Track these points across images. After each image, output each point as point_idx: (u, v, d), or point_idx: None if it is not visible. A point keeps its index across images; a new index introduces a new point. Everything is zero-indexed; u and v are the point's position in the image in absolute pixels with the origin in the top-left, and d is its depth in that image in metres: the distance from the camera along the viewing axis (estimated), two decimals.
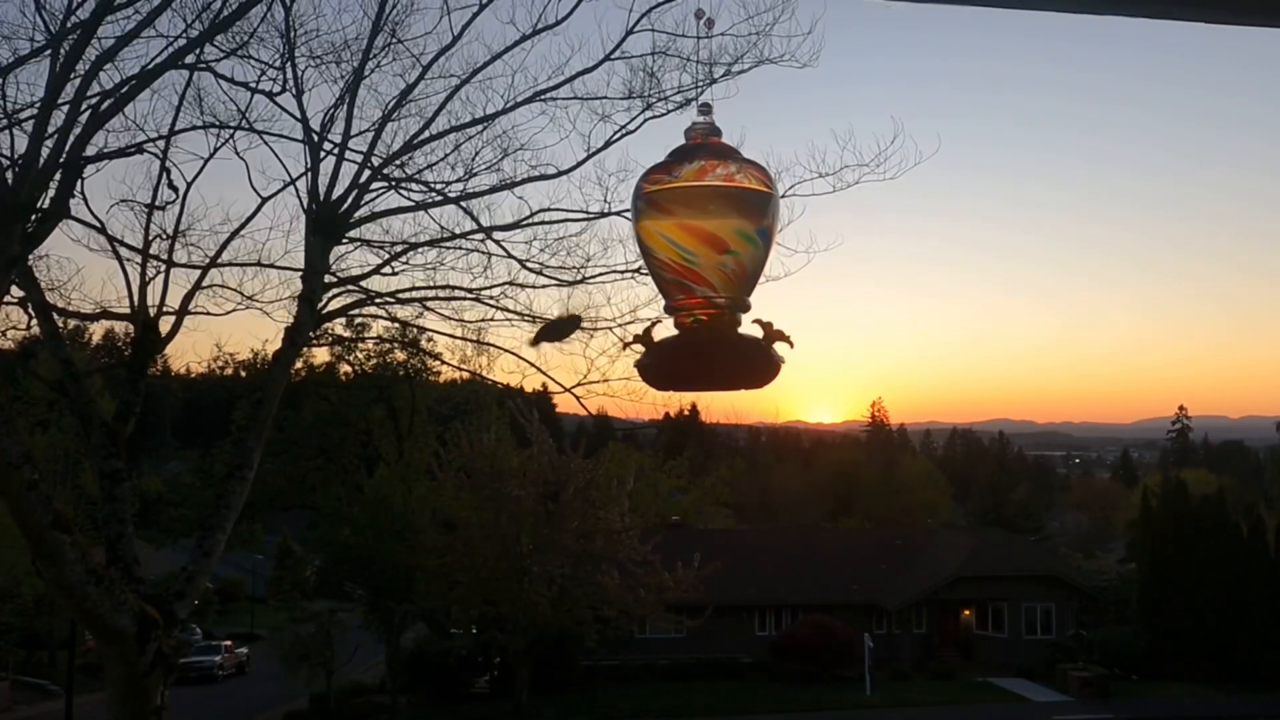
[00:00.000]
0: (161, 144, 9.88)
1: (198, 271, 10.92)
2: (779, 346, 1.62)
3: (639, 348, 1.63)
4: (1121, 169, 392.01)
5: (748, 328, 1.63)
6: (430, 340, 21.75)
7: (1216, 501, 31.50)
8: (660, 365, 1.62)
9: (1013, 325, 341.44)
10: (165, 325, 10.74)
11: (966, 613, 34.20)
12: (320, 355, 33.39)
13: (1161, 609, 30.17)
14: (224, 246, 10.99)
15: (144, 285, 10.15)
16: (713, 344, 1.58)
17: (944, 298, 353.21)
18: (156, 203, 9.82)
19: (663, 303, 1.65)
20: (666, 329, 1.65)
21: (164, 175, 9.48)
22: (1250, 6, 1.78)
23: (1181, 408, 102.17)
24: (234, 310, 11.84)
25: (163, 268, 10.36)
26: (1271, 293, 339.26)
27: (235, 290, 11.55)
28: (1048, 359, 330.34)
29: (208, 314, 11.70)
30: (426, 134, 10.24)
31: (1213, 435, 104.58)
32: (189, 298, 10.78)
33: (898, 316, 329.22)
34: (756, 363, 1.59)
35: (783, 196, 10.95)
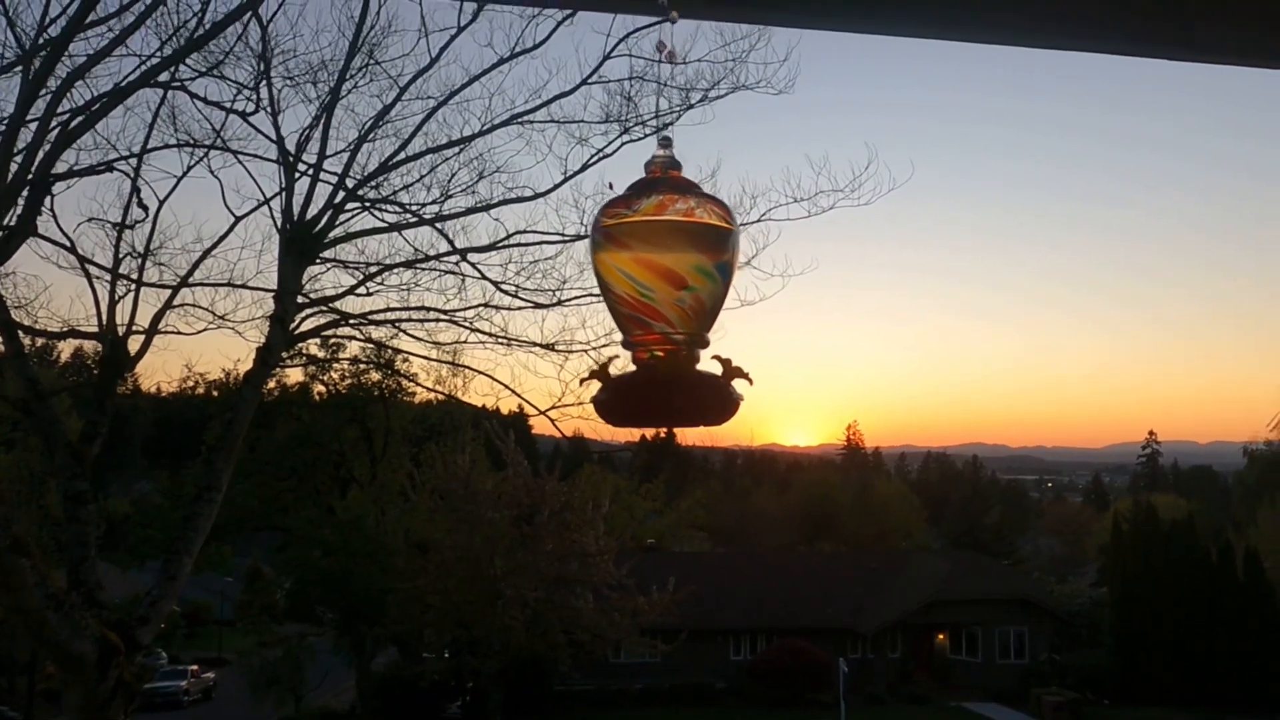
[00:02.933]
0: (133, 162, 9.79)
1: (169, 290, 10.82)
2: (738, 383, 1.60)
3: (596, 383, 1.61)
4: (1092, 199, 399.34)
5: (708, 364, 1.62)
6: (406, 361, 21.61)
7: (1186, 526, 31.85)
8: (616, 402, 1.60)
9: (987, 350, 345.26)
10: (135, 344, 10.61)
11: (941, 637, 34.26)
12: (294, 375, 33.12)
13: (1133, 633, 30.39)
14: (196, 266, 10.89)
15: (113, 304, 10.03)
16: (669, 381, 1.57)
17: (920, 323, 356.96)
18: (126, 221, 9.71)
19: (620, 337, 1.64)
20: (625, 364, 1.63)
21: (134, 194, 9.39)
22: (1207, 45, 1.82)
23: (1151, 433, 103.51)
24: (205, 330, 11.71)
25: (132, 287, 10.24)
26: (1236, 321, 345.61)
27: (207, 310, 11.44)
28: (1021, 383, 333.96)
29: (178, 333, 11.58)
30: (403, 155, 10.22)
31: (1182, 460, 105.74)
32: (159, 317, 10.65)
33: (875, 340, 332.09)
34: (713, 400, 1.58)
35: (758, 221, 11.06)
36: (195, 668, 37.25)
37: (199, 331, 11.65)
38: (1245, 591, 29.59)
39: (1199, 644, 29.05)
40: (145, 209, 9.62)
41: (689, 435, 37.78)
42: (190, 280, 10.95)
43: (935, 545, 56.33)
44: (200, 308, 11.33)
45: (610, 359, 1.63)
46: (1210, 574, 30.06)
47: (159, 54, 8.45)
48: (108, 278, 10.10)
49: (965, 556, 40.87)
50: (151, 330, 10.65)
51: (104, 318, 9.99)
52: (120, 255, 10.42)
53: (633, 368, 1.61)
